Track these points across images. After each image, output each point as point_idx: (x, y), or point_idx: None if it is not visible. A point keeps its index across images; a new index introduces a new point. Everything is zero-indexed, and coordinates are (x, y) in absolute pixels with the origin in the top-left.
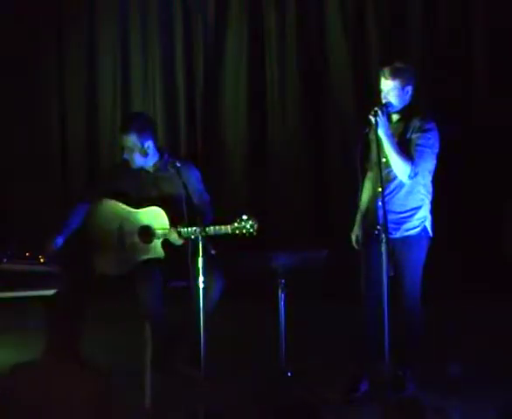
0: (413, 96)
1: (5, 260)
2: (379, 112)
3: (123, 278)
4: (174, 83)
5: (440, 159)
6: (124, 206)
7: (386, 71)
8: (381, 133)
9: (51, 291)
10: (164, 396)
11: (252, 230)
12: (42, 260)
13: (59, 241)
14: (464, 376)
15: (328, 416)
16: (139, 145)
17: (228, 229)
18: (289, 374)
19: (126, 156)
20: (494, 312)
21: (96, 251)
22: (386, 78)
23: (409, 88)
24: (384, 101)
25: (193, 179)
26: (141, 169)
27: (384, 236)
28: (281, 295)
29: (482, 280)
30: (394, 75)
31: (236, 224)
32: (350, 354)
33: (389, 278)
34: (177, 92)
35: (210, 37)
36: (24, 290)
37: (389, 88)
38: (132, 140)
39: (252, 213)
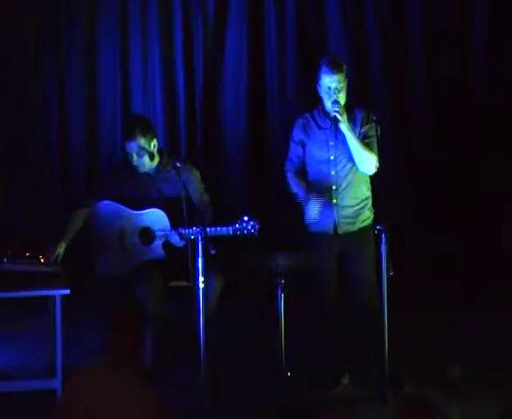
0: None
1: (5, 260)
2: (339, 109)
3: (123, 279)
4: (174, 83)
5: (441, 160)
6: (125, 208)
7: (340, 65)
8: (345, 129)
9: (50, 292)
10: (164, 397)
11: (253, 231)
12: (42, 260)
13: (61, 248)
14: (464, 376)
15: (327, 416)
16: (147, 147)
17: (230, 230)
18: (289, 374)
19: (135, 162)
20: (493, 313)
21: (97, 252)
22: (342, 73)
23: (347, 80)
24: (332, 99)
25: (193, 179)
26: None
27: (383, 235)
28: (281, 295)
29: (482, 280)
30: (339, 70)
31: (237, 225)
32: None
33: (389, 278)
34: (177, 92)
35: (210, 37)
36: (24, 290)
37: (343, 83)
38: (140, 144)
39: (252, 213)
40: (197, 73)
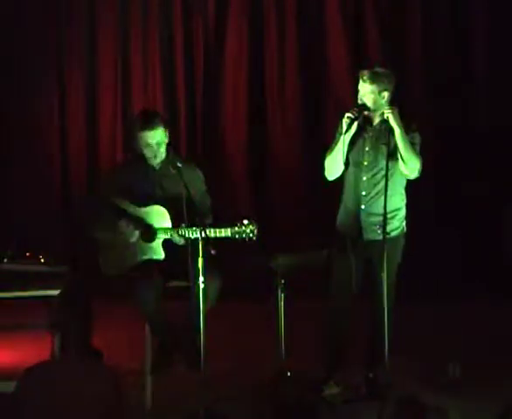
0: (391, 101)
1: (5, 260)
2: (393, 111)
3: (124, 277)
4: (174, 83)
5: (442, 160)
6: (128, 203)
7: (365, 74)
8: (396, 125)
9: (51, 292)
10: (164, 397)
11: (251, 235)
12: (42, 260)
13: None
14: (464, 376)
15: (327, 416)
16: (165, 138)
17: (228, 232)
18: (289, 374)
19: (153, 153)
20: (493, 313)
21: (100, 250)
22: (364, 82)
23: (385, 94)
24: (360, 103)
25: (196, 180)
26: (150, 166)
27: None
28: (281, 295)
29: (482, 281)
30: (372, 79)
31: (236, 228)
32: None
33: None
34: (177, 92)
35: (210, 37)
36: (24, 290)
37: (366, 91)
38: (160, 133)
39: (252, 214)
40: (197, 73)
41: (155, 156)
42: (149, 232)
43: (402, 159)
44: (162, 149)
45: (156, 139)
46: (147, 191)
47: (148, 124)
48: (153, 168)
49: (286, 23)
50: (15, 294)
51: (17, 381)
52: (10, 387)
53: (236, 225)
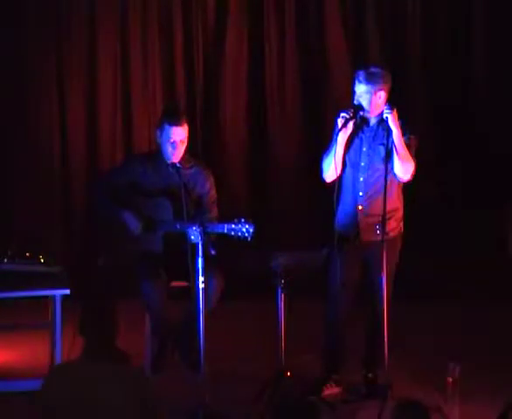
0: (388, 101)
1: (5, 260)
2: (390, 112)
3: (127, 272)
4: (174, 83)
5: (442, 160)
6: (134, 195)
7: (360, 74)
8: (394, 126)
9: (51, 292)
10: (164, 397)
11: (247, 235)
12: (42, 260)
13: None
14: (464, 376)
15: (327, 416)
16: (186, 136)
17: (224, 228)
18: (289, 374)
19: (172, 150)
20: (493, 313)
21: (104, 240)
22: (360, 82)
23: (381, 94)
24: (355, 103)
25: (204, 183)
26: (155, 163)
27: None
28: (281, 295)
29: (482, 280)
30: (367, 79)
31: (233, 225)
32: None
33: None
34: (177, 92)
35: (210, 37)
36: (24, 290)
37: (361, 91)
38: (185, 132)
39: (251, 215)
40: (197, 73)
41: (176, 154)
42: (151, 224)
43: (397, 160)
44: (183, 148)
45: (182, 136)
46: (151, 185)
47: (178, 120)
48: (158, 164)
49: (286, 23)
50: (15, 294)
51: (44, 379)
52: (10, 386)
53: (233, 223)
